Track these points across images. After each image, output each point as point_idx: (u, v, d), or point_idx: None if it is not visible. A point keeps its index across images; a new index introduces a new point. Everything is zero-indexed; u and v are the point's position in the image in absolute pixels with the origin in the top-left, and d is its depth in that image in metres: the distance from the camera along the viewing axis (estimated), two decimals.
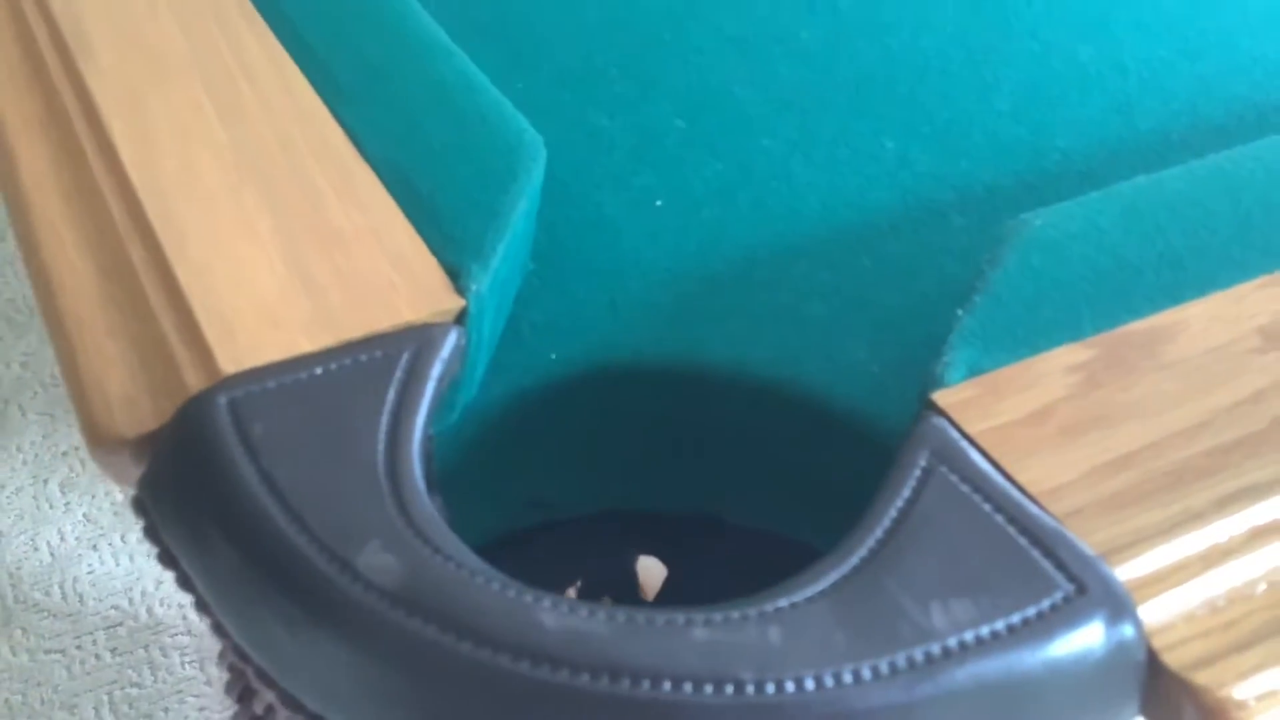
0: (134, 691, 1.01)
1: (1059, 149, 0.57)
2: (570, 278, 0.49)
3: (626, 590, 0.52)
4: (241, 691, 0.46)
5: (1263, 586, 0.34)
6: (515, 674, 0.29)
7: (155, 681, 1.02)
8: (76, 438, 1.22)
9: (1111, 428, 0.37)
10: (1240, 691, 0.31)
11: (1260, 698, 0.31)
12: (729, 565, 0.49)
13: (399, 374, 0.36)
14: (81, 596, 1.09)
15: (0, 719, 1.00)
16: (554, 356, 0.46)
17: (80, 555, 1.12)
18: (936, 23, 0.64)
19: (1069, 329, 0.41)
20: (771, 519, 0.48)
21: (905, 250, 0.52)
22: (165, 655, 1.04)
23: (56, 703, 1.01)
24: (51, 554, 1.12)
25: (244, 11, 0.51)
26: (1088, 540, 0.33)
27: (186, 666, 1.03)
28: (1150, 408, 0.38)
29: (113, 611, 1.08)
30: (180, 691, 1.02)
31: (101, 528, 1.14)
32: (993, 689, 0.31)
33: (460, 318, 0.39)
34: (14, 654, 1.04)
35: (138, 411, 0.36)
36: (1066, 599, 0.32)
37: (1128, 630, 0.32)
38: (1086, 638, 0.32)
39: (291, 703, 0.33)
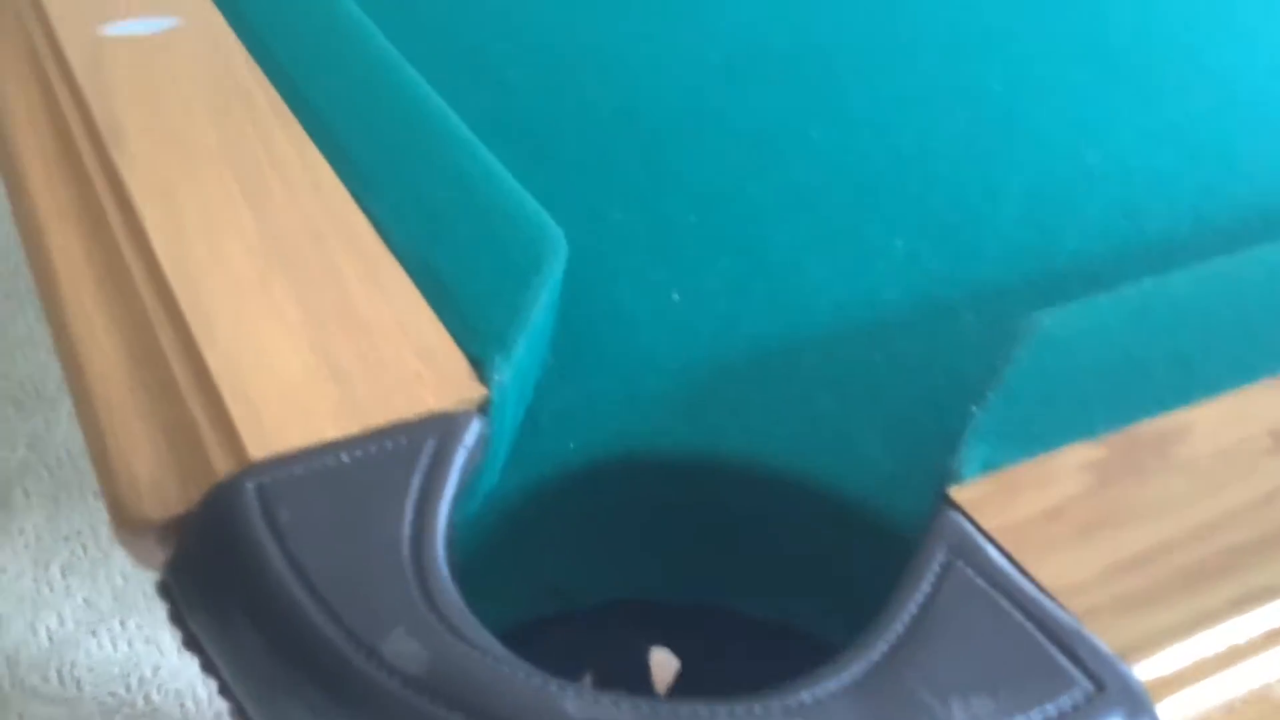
0: None
1: (1067, 251, 0.58)
2: (588, 369, 0.50)
3: (639, 682, 0.52)
4: None
5: None
6: None
7: None
8: (79, 522, 1.22)
9: (1125, 526, 0.38)
10: None
11: None
12: (743, 657, 0.49)
13: (424, 461, 0.37)
14: (79, 682, 1.08)
15: None
16: (572, 446, 0.46)
17: (79, 640, 1.12)
18: (944, 125, 0.66)
19: (1081, 426, 0.42)
20: (786, 610, 0.48)
21: (916, 346, 0.52)
22: None
23: None
24: (50, 639, 1.12)
25: (273, 105, 0.52)
26: (1104, 638, 0.34)
27: None
28: (1163, 507, 0.38)
29: (110, 698, 1.07)
30: None
31: (101, 612, 1.14)
32: None
33: (483, 407, 0.40)
34: None
35: (165, 495, 0.36)
36: (1086, 697, 0.32)
37: None
38: None
39: None
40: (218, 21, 0.59)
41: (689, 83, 0.69)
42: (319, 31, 0.59)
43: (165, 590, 0.36)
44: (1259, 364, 0.45)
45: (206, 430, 0.37)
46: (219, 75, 0.54)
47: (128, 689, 1.07)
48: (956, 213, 0.60)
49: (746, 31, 0.74)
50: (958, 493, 0.38)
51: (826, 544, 0.47)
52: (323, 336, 0.41)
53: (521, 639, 0.48)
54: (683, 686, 0.50)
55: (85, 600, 1.14)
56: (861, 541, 0.45)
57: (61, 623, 1.12)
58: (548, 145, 0.64)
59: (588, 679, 0.53)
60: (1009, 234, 0.59)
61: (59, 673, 1.08)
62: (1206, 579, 0.36)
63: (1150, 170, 0.62)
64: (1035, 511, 0.38)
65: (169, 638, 1.09)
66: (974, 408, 0.42)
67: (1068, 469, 0.40)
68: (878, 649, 0.33)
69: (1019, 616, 0.34)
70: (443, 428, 0.38)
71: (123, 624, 1.12)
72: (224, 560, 0.34)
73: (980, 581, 0.35)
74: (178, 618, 0.35)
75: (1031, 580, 0.35)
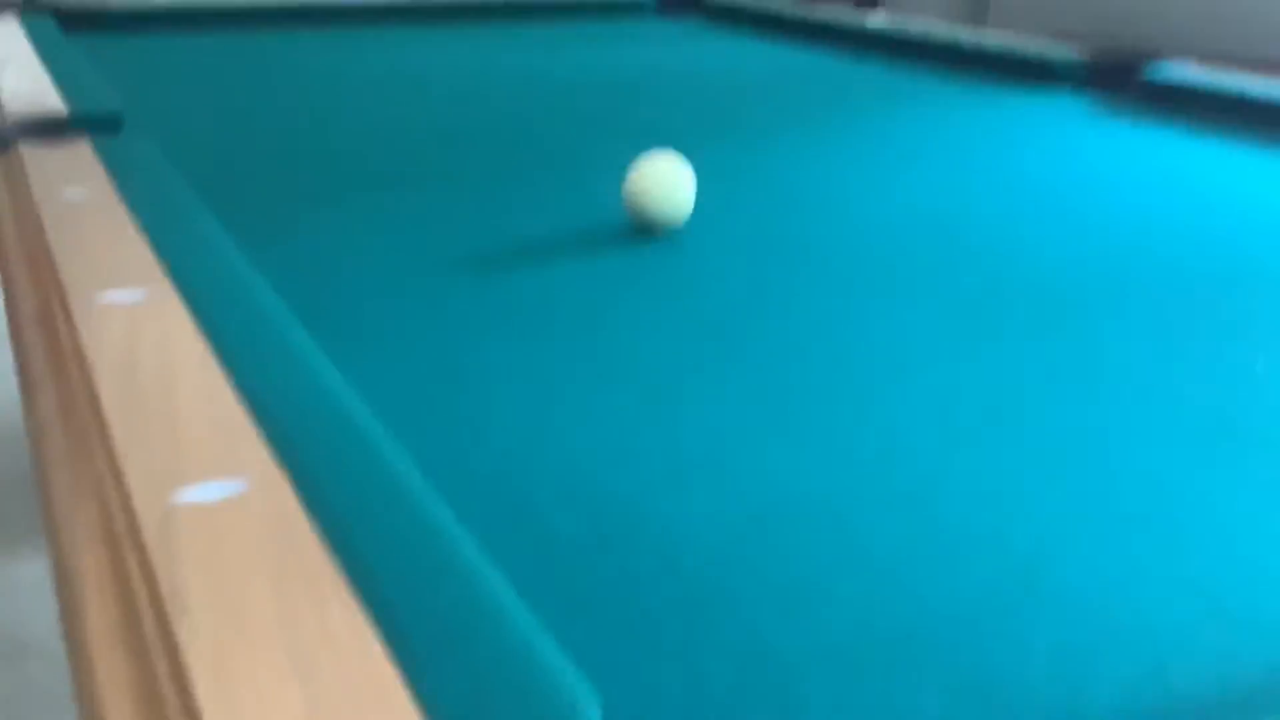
0: None
1: (1097, 708, 0.59)
2: None
3: None
4: None
5: None
6: None
7: None
8: None
9: None
10: None
11: None
12: None
13: None
14: None
15: None
16: None
17: None
18: (968, 575, 0.68)
19: None
20: None
21: None
22: None
23: None
24: None
25: (330, 573, 0.55)
26: None
27: None
28: None
29: None
30: None
31: None
32: None
33: None
34: None
35: None
36: None
37: None
38: None
39: None
40: (282, 484, 0.63)
41: (724, 534, 0.72)
42: (376, 494, 0.63)
43: None
44: None
45: None
46: (281, 543, 0.58)
47: None
48: (983, 670, 0.61)
49: (776, 491, 0.78)
50: None
51: None
52: None
53: None
54: None
55: None
56: None
57: None
58: (588, 596, 0.66)
59: None
60: (1038, 690, 0.60)
61: None
62: None
63: (1173, 626, 0.64)
64: None
65: None
66: None
67: None
68: None
69: None
70: None
71: None
72: None
73: None
74: None
75: None
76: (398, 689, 0.48)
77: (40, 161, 1.33)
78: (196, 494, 0.62)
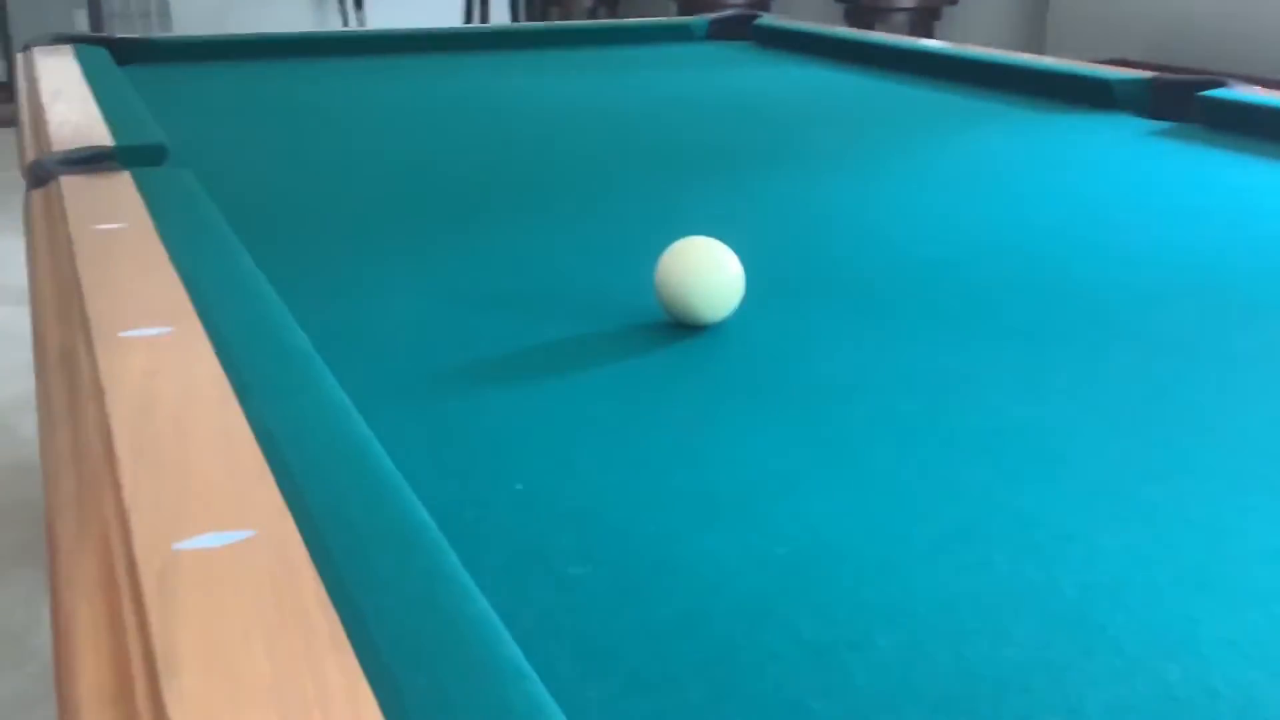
0: None
1: None
2: None
3: None
4: None
5: None
6: None
7: None
8: None
9: None
10: None
11: None
12: None
13: None
14: None
15: None
16: None
17: None
18: (1016, 634, 0.64)
19: None
20: None
21: None
22: None
23: None
24: None
25: (331, 630, 0.53)
26: None
27: None
28: None
29: None
30: None
31: None
32: None
33: None
34: None
35: None
36: None
37: None
38: None
39: None
40: (292, 535, 0.61)
41: (753, 586, 0.69)
42: (387, 549, 0.60)
43: None
44: None
45: None
46: (282, 595, 0.55)
47: None
48: None
49: (811, 535, 0.74)
50: None
51: None
52: None
53: None
54: None
55: None
56: None
57: None
58: (606, 651, 0.63)
59: None
60: None
61: None
62: None
63: (1236, 688, 0.59)
64: None
65: None
66: None
67: None
68: None
69: None
70: None
71: None
72: None
73: None
74: None
75: None
76: None
77: (79, 193, 1.33)
78: (200, 542, 0.59)
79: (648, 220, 1.48)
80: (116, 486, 0.66)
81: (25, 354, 3.22)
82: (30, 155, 1.54)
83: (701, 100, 2.34)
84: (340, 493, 0.65)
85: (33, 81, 2.12)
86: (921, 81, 2.54)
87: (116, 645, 0.53)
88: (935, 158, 1.84)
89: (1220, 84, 2.04)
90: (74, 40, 2.62)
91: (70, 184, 1.37)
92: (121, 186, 1.36)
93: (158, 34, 2.73)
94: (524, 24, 3.10)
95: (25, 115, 1.89)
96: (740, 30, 3.22)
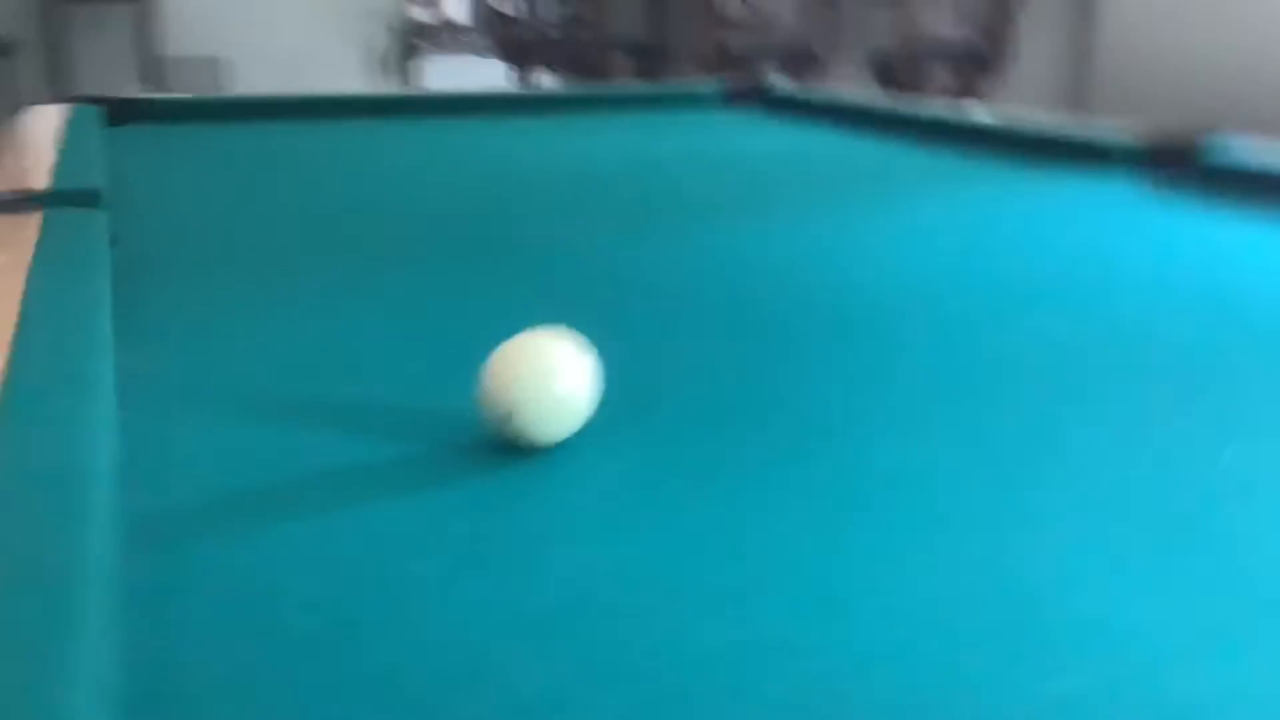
0: None
1: None
2: None
3: None
4: None
5: None
6: None
7: None
8: None
9: None
10: None
11: None
12: None
13: None
14: None
15: None
16: None
17: None
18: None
19: None
20: None
21: None
22: None
23: None
24: None
25: None
26: None
27: None
28: None
29: None
30: None
31: None
32: None
33: None
34: None
35: None
36: None
37: None
38: None
39: None
40: None
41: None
42: None
43: None
44: None
45: None
46: None
47: None
48: None
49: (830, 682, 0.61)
50: None
51: None
52: None
53: None
54: None
55: None
56: None
57: None
58: None
59: None
60: None
61: None
62: None
63: None
64: None
65: None
66: None
67: None
68: None
69: None
70: None
71: None
72: None
73: None
74: None
75: None
76: None
77: None
78: None
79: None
80: None
81: None
82: None
83: (670, 161, 2.29)
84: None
85: (10, 138, 2.13)
86: (918, 142, 2.47)
87: None
88: (922, 219, 1.76)
89: (1214, 139, 1.96)
90: (74, 100, 2.64)
91: None
92: (26, 225, 1.34)
93: (159, 94, 2.75)
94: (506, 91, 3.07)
95: None
96: (756, 98, 3.18)
